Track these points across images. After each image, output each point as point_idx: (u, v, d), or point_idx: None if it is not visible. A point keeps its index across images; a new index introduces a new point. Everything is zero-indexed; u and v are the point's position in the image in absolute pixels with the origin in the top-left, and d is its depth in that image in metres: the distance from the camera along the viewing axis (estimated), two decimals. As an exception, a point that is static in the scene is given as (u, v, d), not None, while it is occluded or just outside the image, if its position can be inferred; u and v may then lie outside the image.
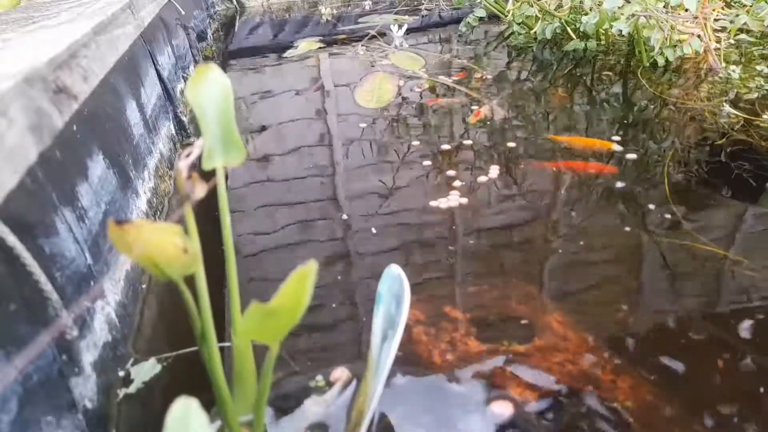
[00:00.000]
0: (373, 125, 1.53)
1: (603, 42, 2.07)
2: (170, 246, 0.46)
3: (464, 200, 1.10)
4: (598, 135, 1.38)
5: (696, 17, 1.74)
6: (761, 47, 1.92)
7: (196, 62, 2.12)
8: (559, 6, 2.13)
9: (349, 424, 0.63)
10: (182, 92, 1.70)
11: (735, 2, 2.02)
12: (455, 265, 0.92)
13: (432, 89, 1.79)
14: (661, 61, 1.78)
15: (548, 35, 2.11)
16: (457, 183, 1.17)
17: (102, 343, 0.70)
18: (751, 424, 0.61)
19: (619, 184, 1.12)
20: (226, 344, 0.71)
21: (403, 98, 1.72)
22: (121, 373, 0.72)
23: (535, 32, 2.20)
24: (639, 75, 1.77)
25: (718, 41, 1.84)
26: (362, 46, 2.37)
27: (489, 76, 1.88)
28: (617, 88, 1.72)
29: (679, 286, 0.84)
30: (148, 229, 0.44)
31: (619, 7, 1.81)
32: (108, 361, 0.70)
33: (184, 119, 1.55)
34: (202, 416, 0.35)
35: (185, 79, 1.82)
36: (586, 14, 1.98)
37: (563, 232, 0.99)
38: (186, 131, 1.54)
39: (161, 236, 0.45)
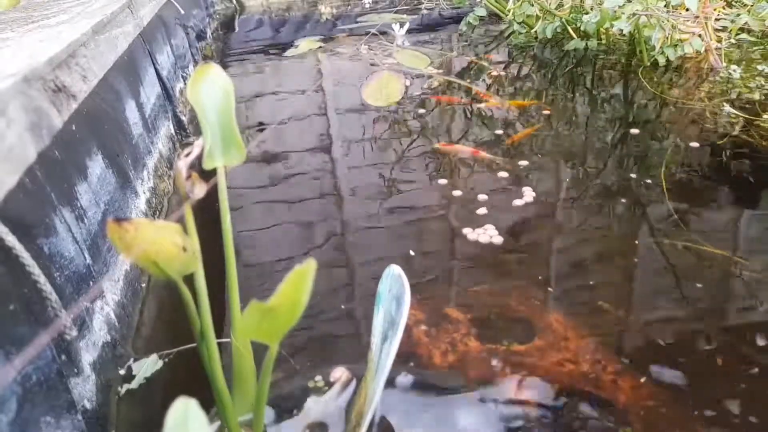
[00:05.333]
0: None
1: (604, 41, 2.07)
2: (169, 245, 0.46)
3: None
4: (597, 133, 1.38)
5: (697, 17, 1.74)
6: (762, 47, 1.91)
7: (195, 62, 2.11)
8: (560, 5, 2.12)
9: (349, 425, 0.63)
10: (181, 92, 1.70)
11: (736, 2, 2.02)
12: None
13: (442, 87, 1.79)
14: (661, 61, 1.77)
15: (549, 34, 2.11)
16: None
17: (101, 343, 0.69)
18: (751, 424, 0.61)
19: (620, 181, 1.12)
20: (225, 340, 0.71)
21: (411, 97, 1.72)
22: (122, 372, 0.72)
23: (535, 31, 2.19)
24: (640, 74, 1.76)
25: (719, 41, 1.84)
26: (364, 44, 2.37)
27: (502, 73, 1.90)
28: (618, 88, 1.72)
29: (679, 286, 0.84)
30: (148, 228, 0.44)
31: (619, 7, 1.81)
32: (107, 361, 0.70)
33: (184, 119, 1.54)
34: (201, 417, 0.34)
35: (184, 79, 1.81)
36: (587, 13, 1.97)
37: (562, 232, 0.99)
38: (185, 131, 1.54)
39: (161, 235, 0.45)
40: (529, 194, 1.10)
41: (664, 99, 1.57)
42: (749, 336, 0.73)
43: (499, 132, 1.41)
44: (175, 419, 0.33)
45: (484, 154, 1.29)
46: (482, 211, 1.05)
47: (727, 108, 1.45)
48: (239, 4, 3.70)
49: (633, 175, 1.15)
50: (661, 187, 1.09)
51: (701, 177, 1.14)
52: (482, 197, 1.10)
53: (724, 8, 1.91)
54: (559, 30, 2.12)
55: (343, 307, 0.85)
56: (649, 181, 1.12)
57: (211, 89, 0.57)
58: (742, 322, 0.76)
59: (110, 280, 0.78)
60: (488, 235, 0.97)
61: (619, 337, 0.75)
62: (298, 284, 0.42)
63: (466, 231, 0.99)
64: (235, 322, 0.57)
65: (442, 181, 1.18)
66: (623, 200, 1.07)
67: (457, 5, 2.88)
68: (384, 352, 0.62)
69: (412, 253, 0.95)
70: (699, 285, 0.83)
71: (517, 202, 1.08)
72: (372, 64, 2.10)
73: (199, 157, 0.52)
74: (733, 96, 1.53)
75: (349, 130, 1.51)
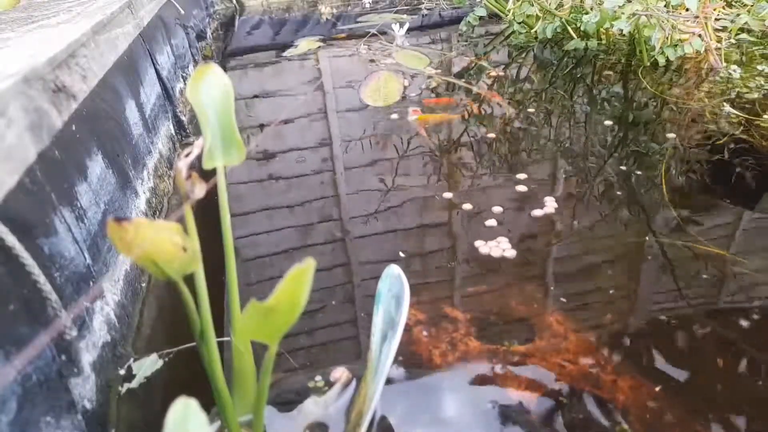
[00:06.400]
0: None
1: (604, 41, 2.07)
2: (169, 245, 0.46)
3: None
4: (596, 133, 1.38)
5: (697, 17, 1.73)
6: (762, 47, 1.91)
7: (195, 62, 2.11)
8: (560, 5, 2.12)
9: (349, 425, 0.63)
10: (181, 92, 1.70)
11: (736, 2, 2.01)
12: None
13: (438, 87, 1.79)
14: (661, 61, 1.77)
15: (549, 34, 2.11)
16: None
17: (101, 343, 0.69)
18: (752, 424, 0.61)
19: (617, 181, 1.12)
20: (225, 339, 0.71)
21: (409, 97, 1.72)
22: (122, 372, 0.72)
23: (535, 31, 2.19)
24: (640, 74, 1.76)
25: (719, 41, 1.84)
26: (364, 44, 2.37)
27: (501, 73, 1.91)
28: (618, 88, 1.72)
29: (679, 286, 0.84)
30: (148, 228, 0.44)
31: (619, 6, 1.81)
32: (107, 361, 0.70)
33: (184, 119, 1.54)
34: (202, 417, 0.34)
35: (184, 79, 1.81)
36: (587, 13, 1.97)
37: (563, 230, 0.99)
38: (185, 131, 1.54)
39: (161, 235, 0.45)
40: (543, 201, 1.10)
41: (665, 99, 1.56)
42: (751, 336, 0.73)
43: (492, 135, 1.41)
44: (175, 419, 0.33)
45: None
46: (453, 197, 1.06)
47: (727, 108, 1.45)
48: (239, 4, 3.70)
49: (624, 168, 1.15)
50: (661, 187, 1.09)
51: (700, 176, 1.14)
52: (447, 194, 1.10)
53: (724, 8, 1.90)
54: (559, 30, 2.11)
55: (333, 303, 0.85)
56: (647, 178, 1.12)
57: (210, 89, 0.57)
58: (744, 322, 0.76)
59: (110, 280, 0.78)
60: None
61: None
62: (297, 284, 0.42)
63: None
64: (235, 321, 0.57)
65: (443, 186, 1.19)
66: (623, 196, 1.07)
67: (457, 5, 2.88)
68: (383, 351, 0.62)
69: (401, 254, 0.96)
70: (698, 284, 0.83)
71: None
72: (372, 62, 2.10)
73: (199, 157, 0.52)
74: (733, 96, 1.53)
75: (349, 130, 1.51)
